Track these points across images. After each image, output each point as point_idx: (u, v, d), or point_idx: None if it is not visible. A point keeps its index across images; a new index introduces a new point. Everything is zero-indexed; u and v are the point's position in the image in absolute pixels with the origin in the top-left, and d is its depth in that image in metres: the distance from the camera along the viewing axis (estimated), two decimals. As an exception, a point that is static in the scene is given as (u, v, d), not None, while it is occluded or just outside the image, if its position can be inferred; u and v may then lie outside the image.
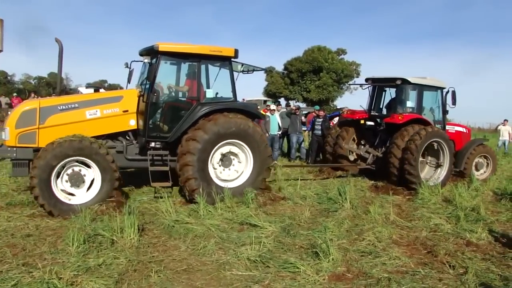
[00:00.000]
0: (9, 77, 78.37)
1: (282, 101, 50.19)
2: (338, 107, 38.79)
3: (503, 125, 23.68)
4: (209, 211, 8.36)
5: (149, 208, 8.61)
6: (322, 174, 13.78)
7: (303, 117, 17.09)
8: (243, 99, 24.62)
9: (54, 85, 70.37)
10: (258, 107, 17.45)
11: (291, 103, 27.39)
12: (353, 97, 58.76)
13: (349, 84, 54.34)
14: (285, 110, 17.95)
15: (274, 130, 15.89)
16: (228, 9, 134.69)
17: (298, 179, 11.83)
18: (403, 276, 5.76)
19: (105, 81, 79.58)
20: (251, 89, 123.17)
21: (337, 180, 12.90)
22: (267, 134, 15.70)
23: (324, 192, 10.70)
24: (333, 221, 8.07)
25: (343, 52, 57.24)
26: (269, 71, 58.15)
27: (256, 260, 6.07)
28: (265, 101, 37.71)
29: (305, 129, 17.11)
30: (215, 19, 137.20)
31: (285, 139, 18.03)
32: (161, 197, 8.96)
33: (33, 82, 79.69)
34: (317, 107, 19.15)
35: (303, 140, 17.04)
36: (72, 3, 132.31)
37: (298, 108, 18.37)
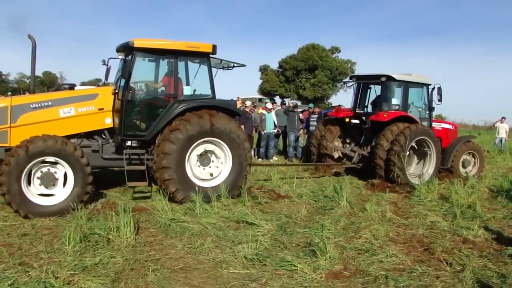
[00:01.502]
0: (3, 76, 78.06)
1: (277, 99, 50.24)
2: (333, 105, 38.87)
3: (501, 123, 23.71)
4: (205, 209, 8.33)
5: (145, 207, 8.57)
6: (317, 172, 13.75)
7: (301, 115, 17.06)
8: (238, 97, 24.60)
9: (48, 84, 70.26)
10: (254, 104, 17.51)
11: (286, 101, 27.44)
12: (347, 95, 59.18)
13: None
14: (280, 108, 17.93)
15: (270, 128, 15.92)
16: (219, 7, 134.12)
17: (294, 177, 11.82)
18: (400, 274, 5.76)
19: (100, 80, 79.07)
20: (246, 87, 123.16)
21: (333, 178, 12.91)
22: (263, 132, 15.75)
23: (320, 190, 10.71)
24: (329, 219, 8.06)
25: (337, 50, 57.44)
26: (263, 69, 58.24)
27: (253, 258, 6.06)
28: (260, 99, 37.75)
29: (301, 127, 17.09)
30: (206, 17, 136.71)
31: (280, 137, 18.02)
32: (158, 192, 8.95)
33: (27, 81, 79.23)
34: (311, 105, 19.18)
35: (298, 138, 17.02)
36: (63, 2, 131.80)
37: (296, 105, 18.38)
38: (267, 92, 56.24)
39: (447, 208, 9.21)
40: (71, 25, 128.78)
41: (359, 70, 57.96)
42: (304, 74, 54.91)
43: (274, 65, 59.42)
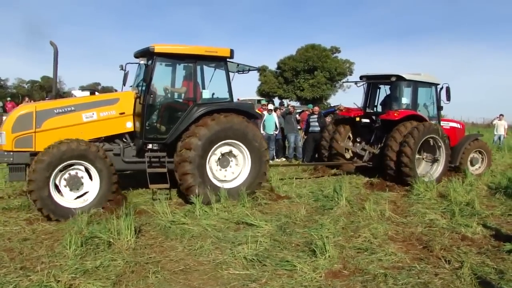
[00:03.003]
0: (2, 82, 78.09)
1: (276, 100, 50.19)
2: (331, 105, 38.94)
3: (499, 120, 23.75)
4: (205, 211, 8.37)
5: (146, 210, 8.59)
6: (317, 172, 13.82)
7: (298, 116, 17.09)
8: (238, 99, 24.63)
9: (47, 89, 70.24)
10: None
11: (285, 102, 27.43)
12: (346, 95, 59.03)
13: (343, 82, 54.53)
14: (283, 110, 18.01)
15: (271, 130, 15.93)
16: (216, 9, 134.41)
17: (293, 178, 11.85)
18: (399, 272, 5.80)
19: (98, 84, 79.19)
20: (244, 88, 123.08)
21: (332, 178, 12.94)
22: (264, 133, 15.75)
23: (320, 190, 10.75)
24: (329, 218, 8.10)
25: (337, 50, 57.37)
26: (262, 70, 58.19)
27: (253, 259, 6.09)
28: (259, 101, 37.72)
29: (299, 127, 17.14)
30: (203, 19, 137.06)
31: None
32: (158, 199, 9.00)
33: (26, 86, 79.33)
34: (310, 105, 19.19)
35: (300, 139, 17.08)
36: (59, 5, 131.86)
37: (293, 107, 18.41)
38: (265, 93, 56.23)
39: (446, 206, 9.26)
40: (68, 28, 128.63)
41: (358, 70, 58.02)
42: (303, 75, 54.90)
43: (273, 66, 59.48)
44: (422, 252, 6.61)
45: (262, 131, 15.80)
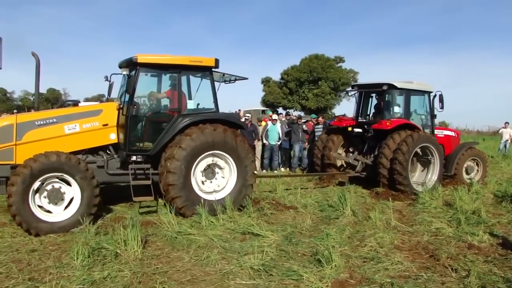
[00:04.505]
0: (8, 94, 78.71)
1: (280, 110, 50.32)
2: (336, 115, 38.99)
3: (505, 128, 23.81)
4: (211, 221, 8.38)
5: (152, 220, 8.61)
6: (322, 182, 13.79)
7: (304, 126, 17.10)
8: (239, 110, 24.67)
9: (53, 101, 70.70)
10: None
11: (290, 112, 27.56)
12: (350, 104, 59.09)
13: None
14: (284, 120, 18.02)
15: (274, 140, 15.93)
16: (217, 20, 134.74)
17: (298, 188, 11.87)
18: (406, 281, 5.79)
19: (103, 95, 79.49)
20: (248, 99, 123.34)
21: (337, 187, 12.92)
22: (267, 143, 15.80)
23: (325, 200, 10.75)
24: (334, 228, 8.10)
25: (341, 60, 57.55)
26: (266, 81, 58.40)
27: (259, 269, 6.10)
28: (263, 111, 37.85)
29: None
30: (206, 30, 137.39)
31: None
32: (164, 211, 9.01)
33: (32, 99, 79.81)
34: (313, 115, 19.23)
35: (305, 149, 17.09)
36: (63, 18, 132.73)
37: (300, 117, 18.46)
38: (270, 103, 56.38)
39: (452, 215, 9.25)
40: (73, 41, 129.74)
41: (362, 79, 58.02)
42: (307, 85, 55.08)
43: (276, 77, 59.70)
44: (428, 261, 6.61)
45: (265, 141, 15.88)
